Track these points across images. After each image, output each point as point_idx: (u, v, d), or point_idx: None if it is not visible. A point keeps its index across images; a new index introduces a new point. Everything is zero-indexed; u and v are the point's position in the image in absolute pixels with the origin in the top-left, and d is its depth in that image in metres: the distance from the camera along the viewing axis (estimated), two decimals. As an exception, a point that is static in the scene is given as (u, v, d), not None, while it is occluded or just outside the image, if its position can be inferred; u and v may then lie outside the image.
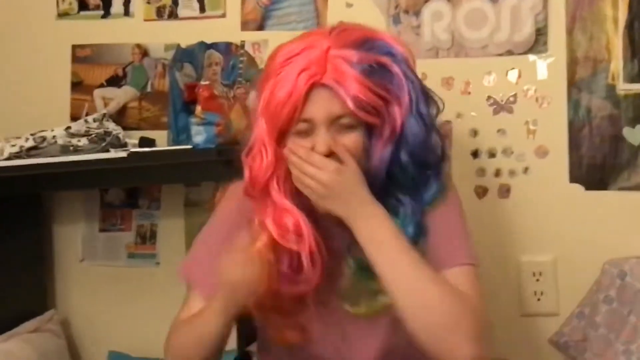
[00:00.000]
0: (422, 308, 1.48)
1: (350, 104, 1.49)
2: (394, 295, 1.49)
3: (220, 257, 1.54)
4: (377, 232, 1.52)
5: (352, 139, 1.54)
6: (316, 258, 1.55)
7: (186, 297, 1.73)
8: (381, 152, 1.55)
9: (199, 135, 2.10)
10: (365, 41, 1.55)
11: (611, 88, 2.13)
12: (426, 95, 1.59)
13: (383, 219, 1.53)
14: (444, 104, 1.63)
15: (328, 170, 1.50)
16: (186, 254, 2.34)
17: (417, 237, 1.57)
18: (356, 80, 1.49)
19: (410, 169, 1.56)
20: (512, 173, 2.19)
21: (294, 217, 1.56)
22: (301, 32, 2.21)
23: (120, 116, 2.37)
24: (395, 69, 1.53)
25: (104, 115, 2.28)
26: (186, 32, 2.35)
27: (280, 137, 1.56)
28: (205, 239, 1.75)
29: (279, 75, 1.53)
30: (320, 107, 1.52)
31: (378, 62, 1.52)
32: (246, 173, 1.60)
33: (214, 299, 1.57)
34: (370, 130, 1.54)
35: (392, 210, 1.56)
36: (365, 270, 1.55)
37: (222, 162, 1.84)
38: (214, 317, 1.56)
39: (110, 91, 2.40)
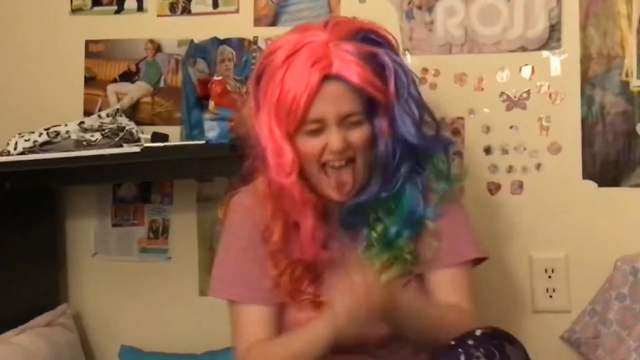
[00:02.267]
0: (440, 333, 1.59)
1: (362, 84, 1.60)
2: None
3: (257, 267, 1.69)
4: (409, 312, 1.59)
5: (360, 134, 1.65)
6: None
7: (234, 316, 1.74)
8: (386, 138, 1.66)
9: (212, 131, 2.10)
10: (358, 32, 1.66)
11: (625, 84, 2.12)
12: (414, 81, 1.73)
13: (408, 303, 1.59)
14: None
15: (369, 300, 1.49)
16: (198, 250, 2.37)
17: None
18: (360, 66, 1.61)
19: (416, 142, 1.68)
20: (524, 169, 2.18)
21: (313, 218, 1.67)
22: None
23: (133, 111, 2.37)
24: (386, 58, 1.66)
25: (117, 110, 2.29)
26: (199, 27, 2.35)
27: (291, 133, 1.64)
28: (226, 256, 1.78)
29: (286, 70, 1.60)
30: (331, 106, 1.61)
31: (372, 53, 1.64)
32: (264, 175, 1.70)
33: (315, 323, 1.59)
34: (372, 121, 1.66)
35: (411, 182, 1.70)
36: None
37: (235, 157, 1.84)
38: (319, 342, 1.57)
39: (124, 86, 2.41)
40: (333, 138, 1.62)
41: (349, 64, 1.60)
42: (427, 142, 1.72)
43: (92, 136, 2.16)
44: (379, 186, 1.69)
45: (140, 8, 2.40)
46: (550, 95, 2.17)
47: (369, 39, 1.66)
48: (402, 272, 1.69)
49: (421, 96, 1.74)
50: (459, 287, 1.72)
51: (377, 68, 1.64)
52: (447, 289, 1.71)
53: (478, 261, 1.78)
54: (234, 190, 1.82)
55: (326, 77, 1.59)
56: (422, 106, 1.73)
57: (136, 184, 2.43)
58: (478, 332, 1.55)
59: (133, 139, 2.19)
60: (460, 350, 1.52)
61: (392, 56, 1.68)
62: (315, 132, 1.63)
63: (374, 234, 1.70)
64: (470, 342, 1.53)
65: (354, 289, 1.49)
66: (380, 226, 1.70)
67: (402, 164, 1.69)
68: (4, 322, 2.19)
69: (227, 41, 2.32)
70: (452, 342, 1.54)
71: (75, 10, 2.45)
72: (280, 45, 1.64)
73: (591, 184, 2.15)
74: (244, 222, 1.75)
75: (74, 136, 2.16)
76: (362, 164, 1.67)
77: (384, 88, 1.64)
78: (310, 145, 1.64)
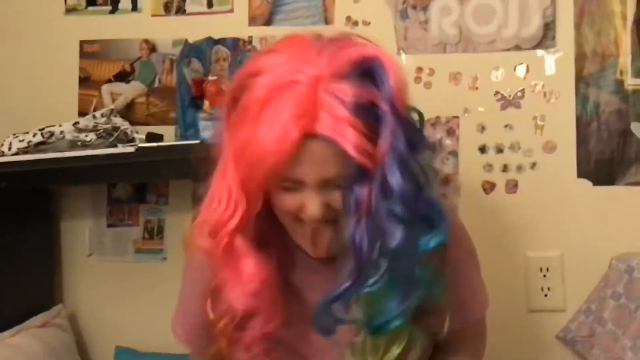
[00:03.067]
0: None
1: (352, 153, 1.26)
2: None
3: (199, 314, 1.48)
4: None
5: (339, 197, 1.33)
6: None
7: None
8: (368, 202, 1.31)
9: (207, 131, 2.11)
10: (359, 64, 1.29)
11: (619, 83, 2.12)
12: (416, 137, 1.35)
13: None
14: (441, 144, 1.55)
15: None
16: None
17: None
18: (352, 126, 1.26)
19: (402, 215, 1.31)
20: (519, 168, 2.18)
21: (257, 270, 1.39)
22: (308, 27, 2.26)
23: (128, 111, 2.37)
24: (385, 106, 1.28)
25: (112, 110, 2.29)
26: (194, 27, 2.35)
27: (255, 188, 1.34)
28: (183, 295, 1.65)
29: (262, 111, 1.27)
30: (312, 169, 1.29)
31: (370, 100, 1.28)
32: (202, 221, 1.41)
33: None
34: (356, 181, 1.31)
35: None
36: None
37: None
38: None
39: (118, 86, 2.41)
40: (311, 203, 1.32)
41: (340, 125, 1.25)
42: (417, 216, 1.34)
43: (86, 136, 2.16)
44: (351, 279, 1.34)
45: (134, 8, 2.40)
46: (544, 94, 2.17)
47: (370, 72, 1.29)
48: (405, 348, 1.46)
49: (421, 162, 1.36)
50: (470, 341, 1.65)
51: (373, 121, 1.28)
52: (456, 347, 1.62)
53: None
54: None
55: (306, 136, 1.26)
56: (419, 174, 1.34)
57: (131, 184, 2.43)
58: None
59: (128, 139, 2.19)
60: None
61: (394, 106, 1.29)
62: (290, 190, 1.33)
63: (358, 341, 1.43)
64: None
65: None
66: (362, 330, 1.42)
67: (383, 256, 1.33)
68: (-1, 323, 2.19)
69: (221, 41, 2.32)
70: None
71: (70, 11, 2.44)
72: (265, 69, 1.30)
73: (586, 183, 2.15)
74: (203, 263, 1.48)
75: (68, 136, 2.15)
76: (345, 225, 1.33)
77: (373, 149, 1.28)
78: (283, 201, 1.35)
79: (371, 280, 1.33)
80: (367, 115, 1.27)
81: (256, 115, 1.28)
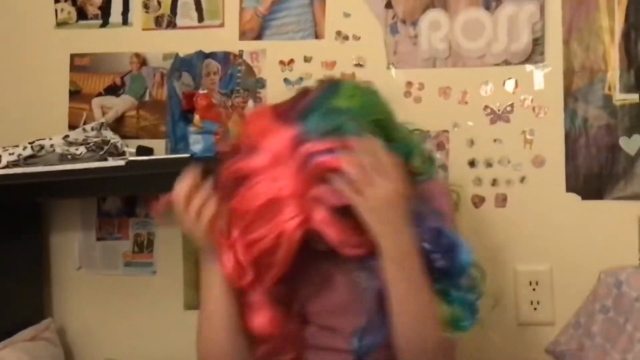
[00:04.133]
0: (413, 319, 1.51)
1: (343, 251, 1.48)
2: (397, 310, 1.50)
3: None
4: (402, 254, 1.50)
5: None
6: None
7: None
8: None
9: (197, 144, 2.11)
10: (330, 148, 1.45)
11: (608, 98, 2.13)
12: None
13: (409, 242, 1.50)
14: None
15: (384, 190, 1.45)
16: (183, 264, 2.36)
17: None
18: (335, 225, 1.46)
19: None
20: (508, 182, 2.19)
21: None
22: (299, 41, 2.27)
23: (118, 125, 2.37)
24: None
25: (102, 124, 2.29)
26: (184, 41, 2.35)
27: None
28: None
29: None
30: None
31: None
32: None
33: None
34: None
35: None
36: None
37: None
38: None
39: (109, 100, 2.41)
40: None
41: (325, 221, 1.46)
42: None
43: (76, 150, 2.15)
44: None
45: (125, 22, 2.41)
46: (533, 109, 2.18)
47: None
48: None
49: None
50: None
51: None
52: None
53: None
54: None
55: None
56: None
57: (121, 198, 2.43)
58: None
59: (118, 153, 2.19)
60: None
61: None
62: None
63: None
64: None
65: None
66: None
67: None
68: (-12, 337, 2.18)
69: (212, 55, 2.33)
70: None
71: (61, 24, 2.45)
72: (249, 175, 1.49)
73: (575, 197, 2.16)
74: None
75: (58, 150, 2.15)
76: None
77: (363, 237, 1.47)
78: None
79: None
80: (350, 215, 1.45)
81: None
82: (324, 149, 1.44)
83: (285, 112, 1.52)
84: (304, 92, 1.58)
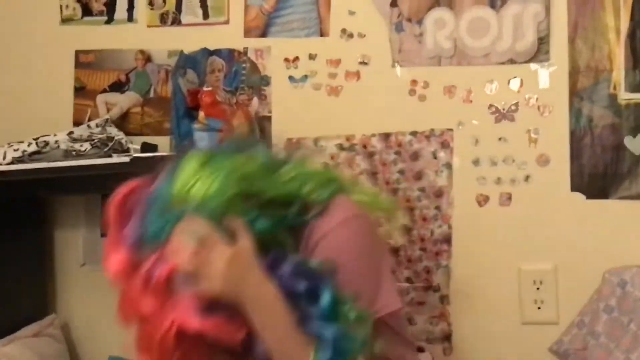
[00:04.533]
0: None
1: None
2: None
3: None
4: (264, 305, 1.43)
5: None
6: None
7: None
8: None
9: (202, 141, 2.11)
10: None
11: (613, 97, 2.13)
12: None
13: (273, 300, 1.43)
14: None
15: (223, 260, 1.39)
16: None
17: None
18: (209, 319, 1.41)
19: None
20: (513, 181, 2.19)
21: None
22: (304, 39, 2.27)
23: (123, 121, 2.38)
24: None
25: (107, 120, 2.29)
26: (189, 38, 2.35)
27: None
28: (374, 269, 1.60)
29: None
30: None
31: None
32: None
33: None
34: None
35: None
36: None
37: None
38: None
39: (113, 96, 2.41)
40: None
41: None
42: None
43: (81, 146, 2.16)
44: None
45: (130, 18, 2.41)
46: (538, 108, 2.17)
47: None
48: None
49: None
50: None
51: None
52: None
53: None
54: None
55: None
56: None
57: (125, 194, 2.43)
58: None
59: (122, 149, 2.19)
60: None
61: None
62: None
63: None
64: None
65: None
66: None
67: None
68: (-8, 333, 2.19)
69: (217, 52, 2.33)
70: None
71: (66, 21, 2.45)
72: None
73: (579, 196, 2.16)
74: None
75: (63, 146, 2.15)
76: None
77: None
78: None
79: None
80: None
81: None
82: (157, 259, 1.43)
83: (124, 219, 1.55)
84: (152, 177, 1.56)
